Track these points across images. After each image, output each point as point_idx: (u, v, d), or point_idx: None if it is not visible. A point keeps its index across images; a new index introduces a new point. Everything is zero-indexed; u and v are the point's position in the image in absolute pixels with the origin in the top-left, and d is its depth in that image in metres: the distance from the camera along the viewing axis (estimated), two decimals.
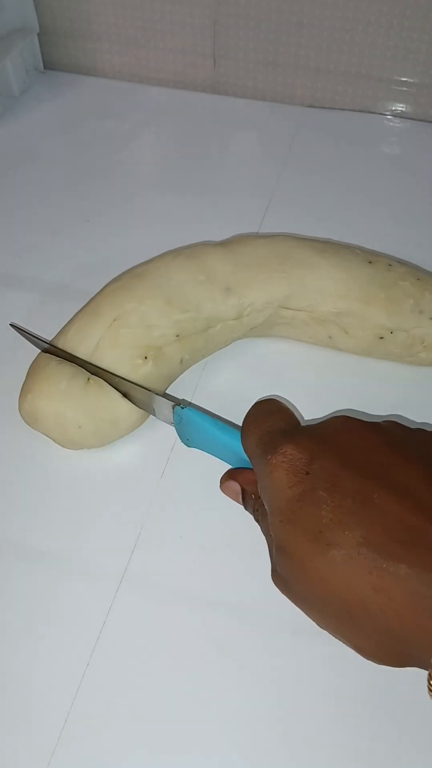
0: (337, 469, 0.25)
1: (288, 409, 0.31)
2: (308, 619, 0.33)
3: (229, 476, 0.32)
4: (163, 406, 0.36)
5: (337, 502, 0.24)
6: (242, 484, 0.32)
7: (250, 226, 0.53)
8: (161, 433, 0.41)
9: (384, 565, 0.22)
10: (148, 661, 0.32)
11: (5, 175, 0.59)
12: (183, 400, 0.38)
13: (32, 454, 0.40)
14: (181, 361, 0.41)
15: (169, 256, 0.43)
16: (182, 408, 0.35)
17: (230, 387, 0.43)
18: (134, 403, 0.38)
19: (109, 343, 0.39)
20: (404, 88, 0.63)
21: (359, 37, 0.61)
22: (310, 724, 0.31)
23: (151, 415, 0.39)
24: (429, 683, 0.23)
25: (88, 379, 0.38)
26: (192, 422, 0.34)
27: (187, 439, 0.36)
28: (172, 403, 0.35)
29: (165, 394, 0.39)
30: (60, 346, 0.40)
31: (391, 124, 0.65)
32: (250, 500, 0.31)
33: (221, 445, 0.33)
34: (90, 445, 0.39)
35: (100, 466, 0.39)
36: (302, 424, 0.29)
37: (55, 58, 0.71)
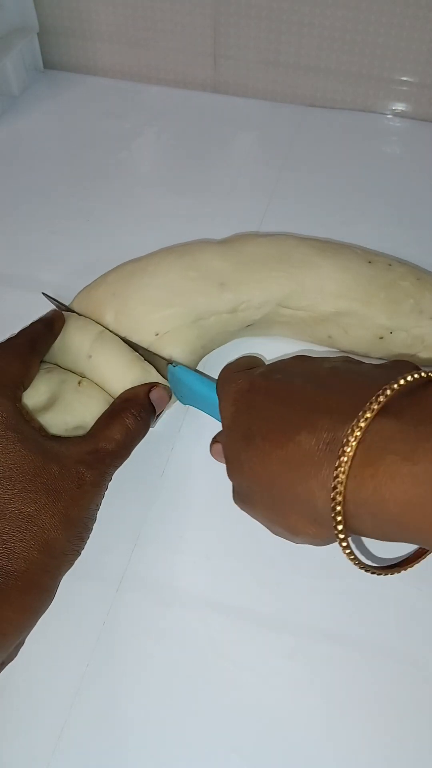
0: (266, 387, 0.31)
1: (257, 358, 0.38)
2: (309, 620, 0.33)
3: (215, 440, 0.35)
4: (161, 365, 0.40)
5: (262, 407, 0.30)
6: None
7: (250, 226, 0.53)
8: (161, 432, 0.41)
9: (289, 438, 0.27)
10: (148, 661, 0.32)
11: (5, 174, 0.59)
12: (175, 360, 0.40)
13: None
14: (171, 356, 0.41)
15: (163, 253, 0.43)
16: (174, 366, 0.38)
17: None
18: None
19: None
20: (404, 88, 0.63)
21: (359, 36, 0.61)
22: (309, 725, 0.31)
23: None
24: (342, 546, 0.27)
25: (79, 382, 0.38)
26: (182, 380, 0.37)
27: (181, 397, 0.40)
28: (166, 362, 0.39)
29: (165, 358, 0.41)
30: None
31: (392, 123, 0.65)
32: None
33: (208, 400, 0.37)
34: None
35: None
36: None
37: (55, 58, 0.71)
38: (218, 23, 0.63)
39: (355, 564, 0.28)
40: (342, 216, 0.55)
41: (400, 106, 0.65)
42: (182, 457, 0.40)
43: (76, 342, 0.40)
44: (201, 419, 0.41)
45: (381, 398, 0.25)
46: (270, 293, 0.42)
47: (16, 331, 0.42)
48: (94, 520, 0.33)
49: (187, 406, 0.41)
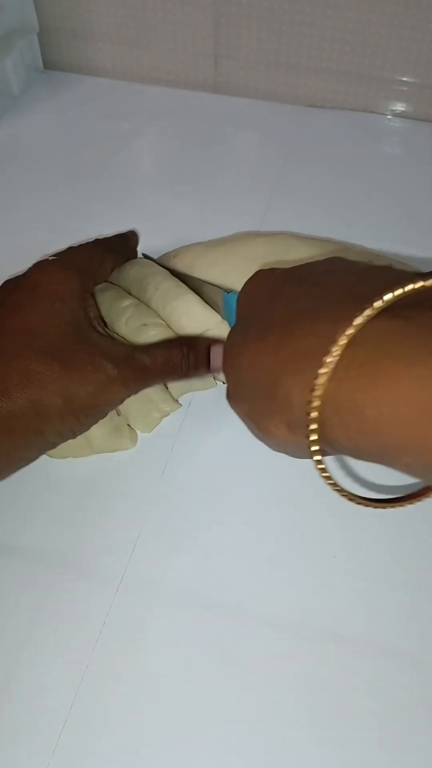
0: (304, 275, 0.29)
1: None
2: (310, 620, 0.33)
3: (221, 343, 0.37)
4: (215, 295, 0.41)
5: (290, 295, 0.28)
6: None
7: (251, 225, 0.53)
8: (161, 431, 0.41)
9: (290, 333, 0.26)
10: (148, 662, 0.32)
11: (5, 174, 0.59)
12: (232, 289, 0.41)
13: None
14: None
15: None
16: (228, 293, 0.40)
17: None
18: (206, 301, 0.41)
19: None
20: (404, 88, 0.63)
21: (360, 37, 0.61)
22: (310, 725, 0.31)
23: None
24: (315, 460, 0.25)
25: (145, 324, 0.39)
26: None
27: (231, 321, 0.40)
28: (222, 290, 0.40)
29: (222, 287, 0.42)
30: None
31: (391, 123, 0.65)
32: None
33: None
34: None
35: (99, 465, 0.39)
36: None
37: (55, 58, 0.71)
38: (219, 23, 0.63)
39: (330, 484, 0.26)
40: (342, 216, 0.55)
41: (400, 107, 0.65)
42: (182, 456, 0.40)
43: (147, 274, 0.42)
44: (201, 419, 0.41)
45: (379, 300, 0.23)
46: None
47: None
48: (93, 415, 0.34)
49: (182, 417, 0.41)
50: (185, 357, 0.36)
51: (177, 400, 0.41)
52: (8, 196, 0.57)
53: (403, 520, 0.37)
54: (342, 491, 0.27)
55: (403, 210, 0.56)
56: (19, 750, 0.30)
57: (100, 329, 0.36)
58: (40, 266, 0.36)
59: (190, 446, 0.40)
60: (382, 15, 0.59)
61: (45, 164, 0.61)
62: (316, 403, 0.23)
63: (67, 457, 0.39)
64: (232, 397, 0.30)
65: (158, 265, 0.44)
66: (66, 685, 0.31)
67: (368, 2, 0.58)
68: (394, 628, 0.33)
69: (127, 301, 0.42)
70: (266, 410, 0.27)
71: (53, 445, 0.34)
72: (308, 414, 0.24)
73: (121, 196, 0.57)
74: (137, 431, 0.40)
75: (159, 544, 0.36)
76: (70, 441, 0.38)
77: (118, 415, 0.39)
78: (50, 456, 0.39)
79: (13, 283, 0.36)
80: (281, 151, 0.62)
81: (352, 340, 0.23)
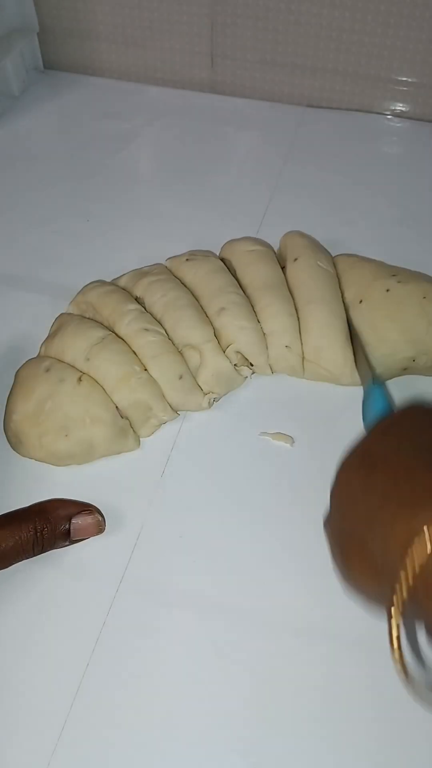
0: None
1: None
2: (309, 620, 0.33)
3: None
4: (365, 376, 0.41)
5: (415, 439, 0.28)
6: None
7: (250, 226, 0.53)
8: (161, 432, 0.41)
9: (410, 475, 0.26)
10: (148, 662, 0.32)
11: (5, 174, 0.59)
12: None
13: None
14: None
15: None
16: (375, 385, 0.39)
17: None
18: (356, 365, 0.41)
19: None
20: (404, 88, 0.63)
21: (357, 36, 0.61)
22: (310, 725, 0.31)
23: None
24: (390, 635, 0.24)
25: (79, 378, 0.39)
26: (376, 401, 0.38)
27: (364, 419, 0.39)
28: (371, 375, 0.40)
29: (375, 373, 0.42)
30: None
31: (391, 123, 0.65)
32: None
33: None
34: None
35: (100, 465, 0.39)
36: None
37: (55, 58, 0.71)
38: (216, 23, 0.63)
39: (396, 650, 0.24)
40: (342, 216, 0.55)
41: (399, 106, 0.65)
42: (182, 456, 0.40)
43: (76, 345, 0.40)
44: (200, 422, 0.41)
45: None
46: None
47: (14, 330, 0.43)
48: None
49: (182, 418, 0.41)
50: (38, 534, 0.33)
51: (175, 410, 0.41)
52: (8, 195, 0.57)
53: None
54: (403, 666, 0.25)
55: (402, 209, 0.56)
56: (19, 750, 0.30)
57: None
58: None
59: (190, 447, 0.40)
60: (379, 15, 0.59)
61: (45, 164, 0.61)
62: (416, 556, 0.23)
63: (69, 464, 0.39)
64: (327, 522, 0.30)
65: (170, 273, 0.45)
66: (66, 684, 0.32)
67: (365, 2, 0.58)
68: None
69: (132, 306, 0.42)
70: (358, 548, 0.26)
71: None
72: (402, 564, 0.23)
73: (121, 196, 0.57)
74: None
75: (159, 544, 0.36)
76: (72, 448, 0.38)
77: (122, 417, 0.39)
78: (53, 464, 0.39)
79: None
80: (281, 151, 0.62)
81: None
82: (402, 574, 0.23)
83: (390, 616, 0.23)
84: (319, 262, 0.45)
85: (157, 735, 0.30)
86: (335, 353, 0.41)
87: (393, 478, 0.26)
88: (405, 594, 0.23)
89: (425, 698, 0.24)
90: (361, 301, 0.43)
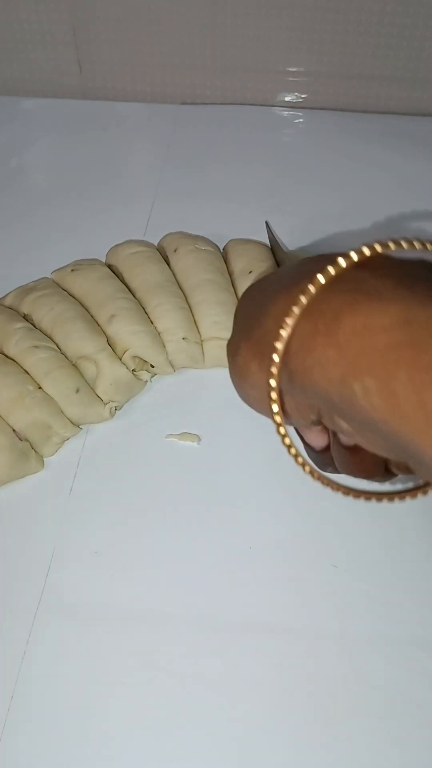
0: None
1: None
2: (234, 617, 0.32)
3: None
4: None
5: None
6: None
7: (137, 230, 0.53)
8: (65, 449, 0.40)
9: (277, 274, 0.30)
10: (78, 684, 0.32)
11: None
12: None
13: None
14: None
15: None
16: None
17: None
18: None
19: None
20: (293, 79, 0.64)
21: (219, 29, 0.61)
22: (231, 729, 0.31)
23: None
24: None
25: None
26: None
27: None
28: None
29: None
30: None
31: (270, 114, 0.66)
32: None
33: None
34: None
35: (4, 492, 0.38)
36: None
37: None
38: (77, 28, 0.62)
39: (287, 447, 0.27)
40: (226, 208, 0.55)
41: (285, 96, 0.66)
42: (89, 471, 0.39)
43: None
44: (104, 433, 0.41)
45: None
46: None
47: None
48: None
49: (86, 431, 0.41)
50: None
51: (76, 424, 0.40)
52: None
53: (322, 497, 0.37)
54: (303, 463, 0.28)
55: (278, 197, 0.56)
56: None
57: None
58: None
59: (97, 460, 0.40)
60: (247, 5, 0.59)
61: None
62: (283, 334, 0.25)
63: None
64: (230, 339, 0.31)
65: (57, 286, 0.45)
66: None
67: None
68: (324, 613, 0.34)
69: (19, 324, 0.41)
70: (247, 336, 0.28)
71: None
72: (274, 341, 0.25)
73: (9, 212, 0.56)
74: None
75: (74, 562, 0.36)
76: None
77: (21, 440, 0.38)
78: None
79: None
80: (160, 150, 0.61)
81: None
82: (278, 345, 0.25)
83: (270, 389, 0.26)
84: (197, 245, 0.47)
85: (93, 756, 0.30)
86: (231, 321, 0.42)
87: (281, 275, 0.29)
88: (279, 360, 0.25)
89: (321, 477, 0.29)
90: (250, 272, 0.45)
